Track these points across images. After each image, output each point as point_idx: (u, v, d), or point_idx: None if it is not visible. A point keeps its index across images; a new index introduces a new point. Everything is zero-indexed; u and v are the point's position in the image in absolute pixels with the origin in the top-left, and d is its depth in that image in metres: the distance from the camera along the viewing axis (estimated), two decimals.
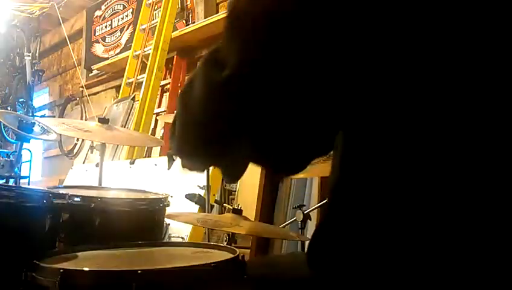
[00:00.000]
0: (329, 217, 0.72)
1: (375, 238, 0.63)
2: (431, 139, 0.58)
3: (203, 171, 0.79)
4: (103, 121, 2.25)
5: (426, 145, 0.59)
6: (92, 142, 4.08)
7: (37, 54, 5.90)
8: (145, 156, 3.80)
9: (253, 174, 3.02)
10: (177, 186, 2.66)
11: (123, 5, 5.32)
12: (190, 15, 4.27)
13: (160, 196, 1.59)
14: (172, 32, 4.11)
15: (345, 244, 0.67)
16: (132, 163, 3.31)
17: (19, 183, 4.46)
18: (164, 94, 4.32)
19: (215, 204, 2.83)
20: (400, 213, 0.61)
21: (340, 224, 0.69)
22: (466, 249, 0.58)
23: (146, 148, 3.85)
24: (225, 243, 2.47)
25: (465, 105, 0.57)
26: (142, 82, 4.11)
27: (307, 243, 2.16)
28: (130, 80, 4.41)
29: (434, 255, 0.59)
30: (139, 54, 4.43)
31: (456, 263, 0.58)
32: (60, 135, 4.51)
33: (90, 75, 5.77)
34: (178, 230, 2.52)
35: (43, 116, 6.03)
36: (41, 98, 6.58)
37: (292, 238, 2.16)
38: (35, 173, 5.55)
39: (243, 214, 1.88)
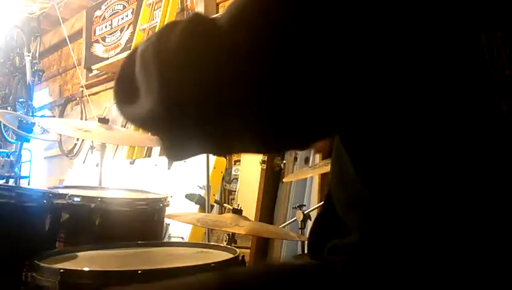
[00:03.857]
0: (326, 207, 0.73)
1: (372, 231, 0.64)
2: (430, 139, 0.59)
3: (189, 157, 0.63)
4: (103, 121, 2.25)
5: (424, 145, 0.59)
6: (92, 142, 4.08)
7: (37, 54, 5.90)
8: (145, 156, 3.80)
9: (253, 174, 3.02)
10: (177, 186, 2.67)
11: (123, 5, 5.32)
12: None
13: (160, 196, 1.59)
14: None
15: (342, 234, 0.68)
16: (132, 163, 3.32)
17: (19, 183, 4.47)
18: None
19: (215, 204, 2.83)
20: (394, 208, 0.61)
21: (336, 215, 0.70)
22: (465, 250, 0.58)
23: (146, 148, 3.85)
24: (225, 243, 2.47)
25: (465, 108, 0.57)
26: None
27: (306, 243, 2.17)
28: None
29: (434, 253, 0.59)
30: None
31: (456, 263, 0.59)
32: (60, 135, 4.52)
33: (90, 75, 5.77)
34: (178, 230, 2.53)
35: (43, 116, 6.03)
36: (41, 98, 6.58)
37: (292, 238, 2.16)
38: (35, 173, 5.55)
39: (243, 214, 1.88)
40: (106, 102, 5.16)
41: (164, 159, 3.04)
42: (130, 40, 4.93)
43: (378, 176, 0.61)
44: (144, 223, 1.51)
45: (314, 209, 2.34)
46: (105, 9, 5.56)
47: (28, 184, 4.92)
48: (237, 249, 1.08)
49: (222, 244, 1.24)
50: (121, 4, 5.34)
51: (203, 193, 2.50)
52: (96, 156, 3.99)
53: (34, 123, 3.76)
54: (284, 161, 2.84)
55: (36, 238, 1.22)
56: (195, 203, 2.52)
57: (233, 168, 3.48)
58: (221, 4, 4.13)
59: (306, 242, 2.18)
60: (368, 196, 0.62)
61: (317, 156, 2.63)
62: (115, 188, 1.92)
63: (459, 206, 0.58)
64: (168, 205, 1.58)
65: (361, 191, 0.63)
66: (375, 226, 0.63)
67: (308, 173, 2.04)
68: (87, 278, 0.90)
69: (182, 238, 2.48)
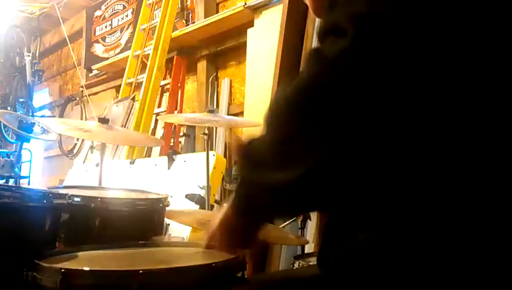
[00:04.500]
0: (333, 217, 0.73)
1: (383, 240, 0.63)
2: (437, 143, 0.59)
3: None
4: (103, 121, 2.25)
5: (429, 148, 0.59)
6: (92, 142, 4.08)
7: (37, 54, 5.90)
8: (145, 156, 3.80)
9: None
10: (177, 186, 2.67)
11: (123, 5, 5.32)
12: (190, 15, 4.27)
13: (160, 196, 1.59)
14: (172, 32, 4.11)
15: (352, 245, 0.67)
16: (132, 163, 3.32)
17: (19, 183, 4.46)
18: (164, 94, 4.32)
19: (215, 204, 2.83)
20: (400, 215, 0.61)
21: (347, 225, 0.69)
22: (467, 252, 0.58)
23: (146, 148, 3.85)
24: None
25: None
26: (142, 82, 4.11)
27: (306, 245, 2.16)
28: (130, 80, 4.41)
29: (437, 256, 0.59)
30: (139, 54, 4.43)
31: (456, 264, 0.59)
32: (60, 135, 4.52)
33: (90, 75, 5.77)
34: (178, 230, 2.52)
35: (43, 116, 6.03)
36: (41, 98, 6.58)
37: (291, 242, 2.16)
38: (35, 173, 5.55)
39: None
40: (106, 102, 5.16)
41: (164, 159, 3.04)
42: (130, 40, 4.93)
43: (394, 179, 0.61)
44: (144, 223, 1.51)
45: None
46: (105, 9, 5.57)
47: (28, 184, 4.91)
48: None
49: None
50: (121, 4, 5.34)
51: (203, 193, 2.50)
52: (96, 156, 3.99)
53: (34, 123, 3.76)
54: None
55: (36, 238, 1.22)
56: (195, 203, 2.52)
57: (233, 168, 3.47)
58: (221, 4, 4.13)
59: (306, 245, 2.17)
60: (381, 198, 0.62)
61: None
62: (115, 188, 1.92)
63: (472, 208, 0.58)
64: (168, 205, 1.58)
65: (374, 193, 0.63)
66: (389, 228, 0.63)
67: None
68: (88, 277, 0.90)
69: (182, 238, 2.48)
